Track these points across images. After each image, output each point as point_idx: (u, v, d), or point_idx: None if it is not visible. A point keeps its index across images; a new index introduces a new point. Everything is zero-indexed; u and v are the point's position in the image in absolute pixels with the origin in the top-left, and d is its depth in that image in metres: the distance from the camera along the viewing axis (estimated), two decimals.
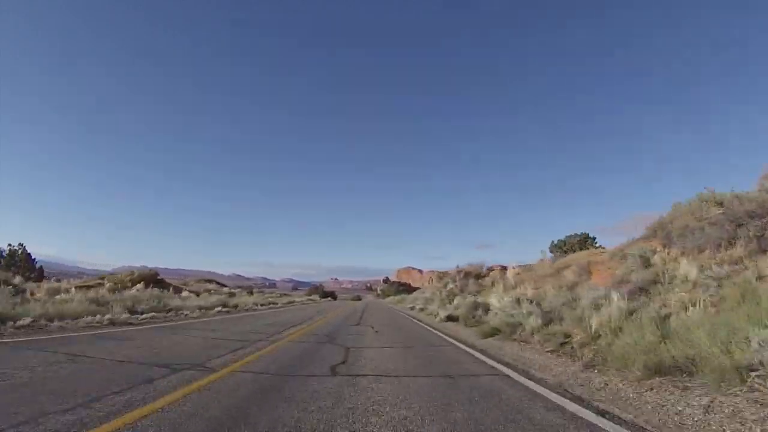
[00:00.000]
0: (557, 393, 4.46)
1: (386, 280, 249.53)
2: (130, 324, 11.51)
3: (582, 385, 4.88)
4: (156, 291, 21.54)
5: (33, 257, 36.87)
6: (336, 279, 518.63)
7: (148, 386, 4.23)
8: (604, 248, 22.40)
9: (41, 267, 38.22)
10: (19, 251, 35.15)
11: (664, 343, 4.93)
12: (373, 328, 13.08)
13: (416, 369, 5.88)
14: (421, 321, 17.56)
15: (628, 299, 7.22)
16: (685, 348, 4.53)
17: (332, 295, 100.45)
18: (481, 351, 7.93)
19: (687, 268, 7.86)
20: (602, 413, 3.68)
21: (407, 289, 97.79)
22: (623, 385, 4.67)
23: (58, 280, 27.47)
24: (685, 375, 4.37)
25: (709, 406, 3.64)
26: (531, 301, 10.51)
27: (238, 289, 46.54)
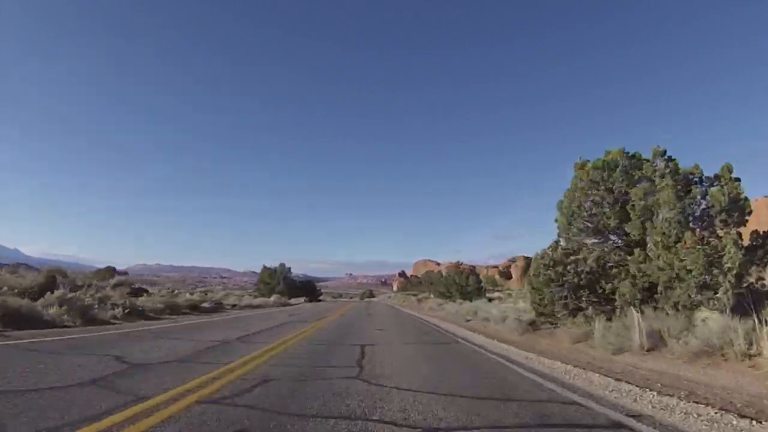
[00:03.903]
0: None
1: (402, 274, 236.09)
2: None
3: None
4: None
5: None
6: (351, 274, 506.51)
7: None
8: None
9: None
10: None
11: None
12: None
13: None
14: None
15: None
16: None
17: (311, 291, 57.64)
18: None
19: None
20: None
21: None
22: None
23: None
24: None
25: None
26: None
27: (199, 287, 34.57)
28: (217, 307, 22.30)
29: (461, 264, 41.79)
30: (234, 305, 25.37)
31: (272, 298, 31.67)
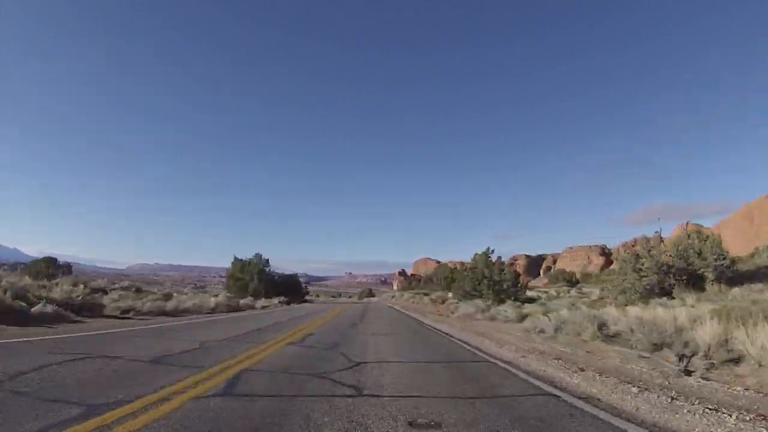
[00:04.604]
0: None
1: (402, 273, 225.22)
2: None
3: None
4: None
5: None
6: (351, 273, 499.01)
7: None
8: None
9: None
10: None
11: None
12: None
13: None
14: None
15: None
16: None
17: (293, 289, 45.08)
18: None
19: None
20: None
21: None
22: None
23: None
24: None
25: None
26: None
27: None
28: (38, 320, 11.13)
29: (491, 251, 30.15)
30: (126, 311, 14.15)
31: (216, 299, 19.90)
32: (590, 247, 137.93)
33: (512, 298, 29.54)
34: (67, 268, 56.16)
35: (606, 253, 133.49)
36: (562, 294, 37.69)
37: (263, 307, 25.46)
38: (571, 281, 79.36)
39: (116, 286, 26.18)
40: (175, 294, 28.77)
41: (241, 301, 23.97)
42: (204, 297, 20.85)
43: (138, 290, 24.98)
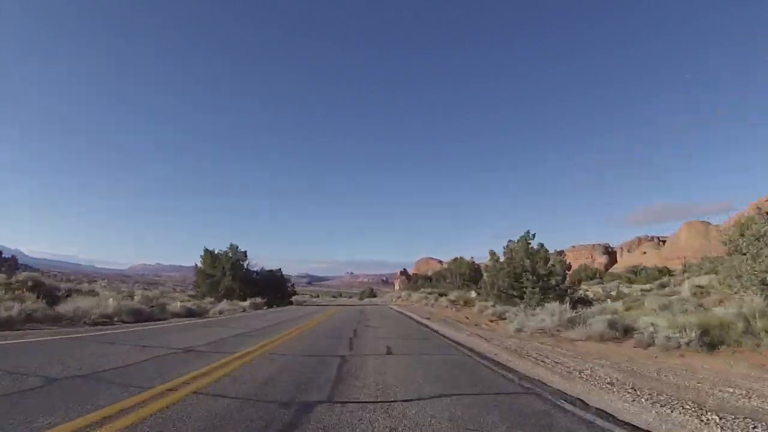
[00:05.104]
0: None
1: (404, 273, 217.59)
2: None
3: None
4: None
5: None
6: (352, 273, 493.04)
7: None
8: None
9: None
10: None
11: None
12: None
13: None
14: None
15: None
16: None
17: (276, 287, 35.93)
18: None
19: None
20: None
21: None
22: None
23: None
24: None
25: None
26: None
27: None
28: None
29: (532, 236, 21.50)
30: None
31: (114, 303, 11.74)
32: (593, 246, 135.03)
33: (565, 298, 21.63)
34: (12, 262, 48.57)
35: (609, 251, 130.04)
36: (613, 291, 29.73)
37: (220, 313, 17.73)
38: (594, 277, 72.78)
39: (12, 280, 18.34)
40: (108, 292, 20.99)
41: (179, 304, 16.08)
42: (102, 299, 13.14)
43: (36, 285, 17.21)
